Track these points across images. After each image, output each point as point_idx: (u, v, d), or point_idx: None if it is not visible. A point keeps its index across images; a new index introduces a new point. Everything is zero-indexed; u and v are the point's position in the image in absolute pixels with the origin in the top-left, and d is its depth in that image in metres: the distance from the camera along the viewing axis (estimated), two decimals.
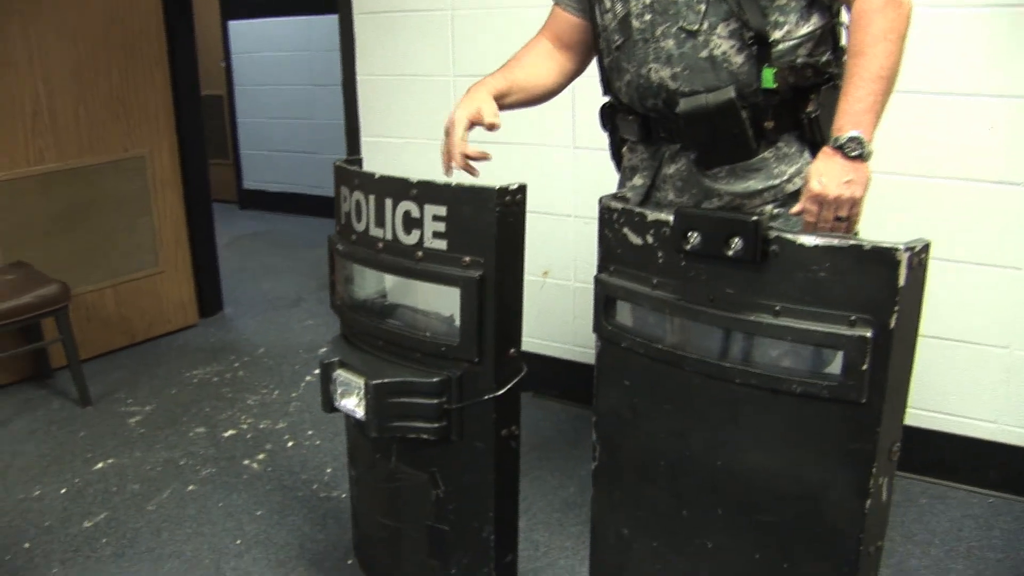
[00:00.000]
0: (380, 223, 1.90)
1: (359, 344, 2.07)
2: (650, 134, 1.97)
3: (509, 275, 1.81)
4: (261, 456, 3.14)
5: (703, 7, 1.78)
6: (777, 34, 1.78)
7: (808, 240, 1.33)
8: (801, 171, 1.83)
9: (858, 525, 1.39)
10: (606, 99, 2.09)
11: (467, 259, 1.79)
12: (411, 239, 1.85)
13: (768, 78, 1.77)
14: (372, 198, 1.91)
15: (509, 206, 1.76)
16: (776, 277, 1.37)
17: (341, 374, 1.98)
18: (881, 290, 1.30)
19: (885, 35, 1.66)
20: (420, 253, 1.84)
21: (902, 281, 1.28)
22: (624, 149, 2.10)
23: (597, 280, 1.64)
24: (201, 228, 4.55)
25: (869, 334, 1.31)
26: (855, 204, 1.69)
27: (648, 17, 1.85)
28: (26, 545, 2.64)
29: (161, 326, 4.39)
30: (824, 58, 1.82)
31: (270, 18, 6.66)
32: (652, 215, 1.50)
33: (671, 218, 1.46)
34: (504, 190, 1.74)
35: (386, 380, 1.88)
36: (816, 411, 1.39)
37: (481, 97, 2.02)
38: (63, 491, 2.94)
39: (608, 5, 1.94)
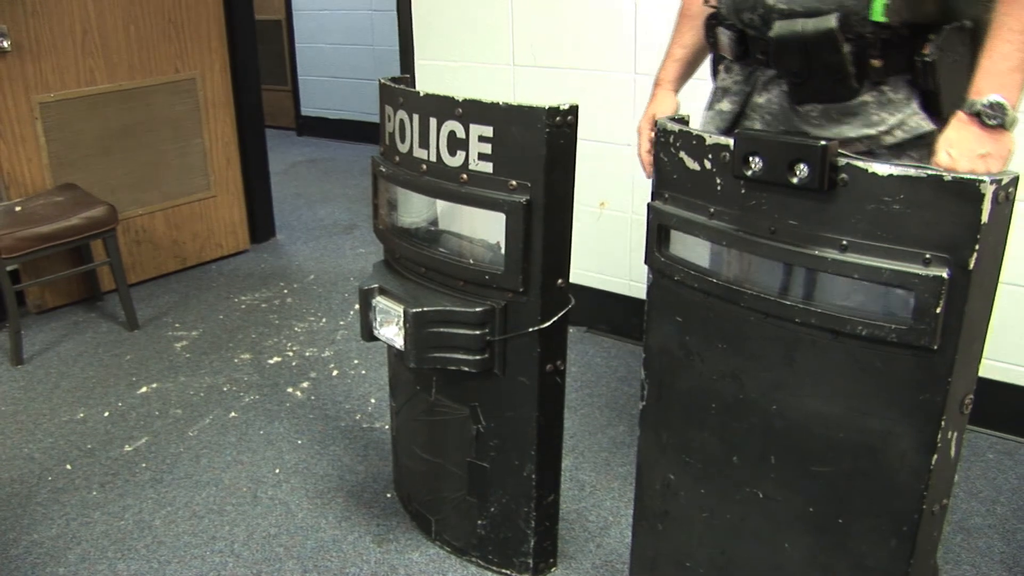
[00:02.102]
0: (424, 144, 1.81)
1: (401, 271, 1.99)
2: (746, 53, 1.72)
3: (558, 201, 1.71)
4: (305, 384, 3.09)
5: None
6: None
7: (881, 169, 1.21)
8: (904, 123, 1.57)
9: (922, 482, 1.29)
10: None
11: (514, 183, 1.69)
12: (456, 161, 1.76)
13: (877, 8, 1.49)
14: (416, 117, 1.82)
15: (560, 127, 1.65)
16: (844, 209, 1.25)
17: (380, 301, 1.91)
18: (961, 226, 1.18)
19: None
20: (465, 176, 1.75)
21: (985, 217, 1.16)
22: (720, 67, 1.85)
23: (650, 207, 1.53)
24: (254, 153, 4.49)
25: (945, 274, 1.19)
26: None
27: None
28: (68, 467, 2.62)
29: (212, 251, 4.35)
30: None
31: None
32: (712, 138, 1.38)
33: (731, 141, 1.34)
34: (555, 110, 1.63)
35: (426, 308, 1.80)
36: (882, 356, 1.28)
37: (663, 100, 1.91)
38: (106, 414, 2.92)
39: None
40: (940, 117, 1.55)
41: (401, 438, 2.22)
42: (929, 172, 1.19)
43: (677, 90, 1.94)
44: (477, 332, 1.80)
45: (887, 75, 1.56)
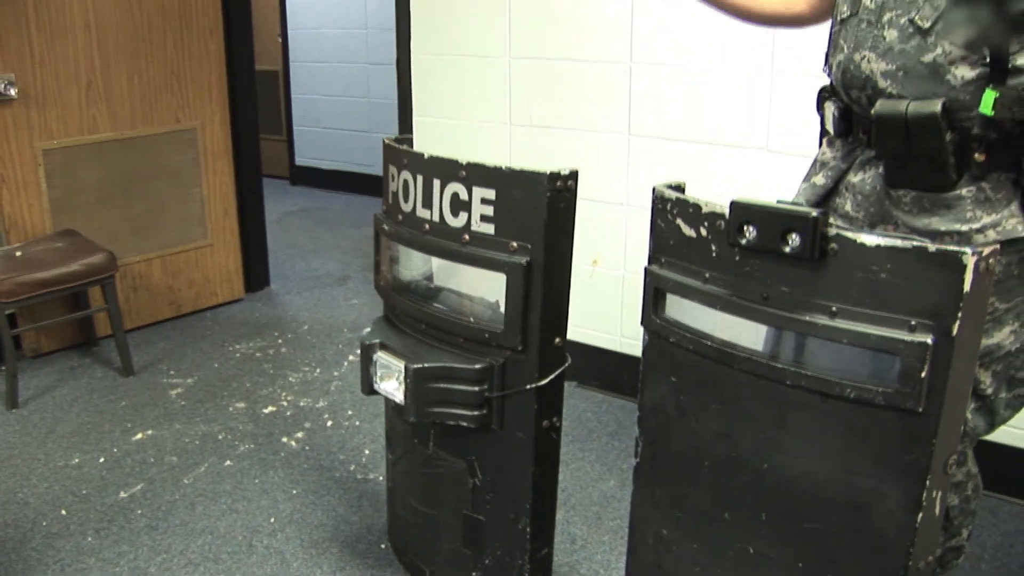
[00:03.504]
0: (427, 204, 1.87)
1: (401, 326, 2.04)
2: (850, 129, 1.72)
3: (557, 262, 1.77)
4: (300, 434, 3.12)
5: (943, 4, 1.50)
6: (1022, 59, 1.48)
7: (869, 239, 1.27)
8: (999, 224, 1.55)
9: (908, 538, 1.33)
10: (825, 75, 1.82)
11: (515, 244, 1.75)
12: (458, 222, 1.82)
13: (988, 102, 1.47)
14: (420, 178, 1.88)
15: (560, 191, 1.72)
16: (834, 277, 1.31)
17: (382, 356, 1.95)
18: (945, 295, 1.23)
19: None
20: (467, 236, 1.80)
21: (967, 287, 1.22)
22: (824, 140, 1.84)
23: (647, 271, 1.58)
24: (251, 202, 4.56)
25: (930, 340, 1.24)
26: None
27: None
28: (63, 512, 2.65)
29: (207, 299, 4.40)
30: None
31: None
32: (708, 206, 1.45)
33: (726, 210, 1.40)
34: (555, 175, 1.70)
35: (426, 365, 1.85)
36: (870, 418, 1.33)
37: None
38: (101, 460, 2.95)
39: None
40: None
41: (397, 489, 2.26)
42: (914, 243, 1.25)
43: None
44: (476, 388, 1.85)
45: (989, 171, 1.55)
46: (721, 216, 1.42)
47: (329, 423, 3.21)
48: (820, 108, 1.83)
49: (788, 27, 2.01)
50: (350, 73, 6.74)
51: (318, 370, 3.68)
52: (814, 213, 1.29)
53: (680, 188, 1.57)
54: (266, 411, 3.30)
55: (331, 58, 6.80)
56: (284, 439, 3.09)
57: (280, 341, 4.01)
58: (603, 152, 3.17)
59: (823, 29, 1.82)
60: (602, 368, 3.41)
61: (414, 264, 2.05)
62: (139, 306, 4.09)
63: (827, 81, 1.81)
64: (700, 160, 2.98)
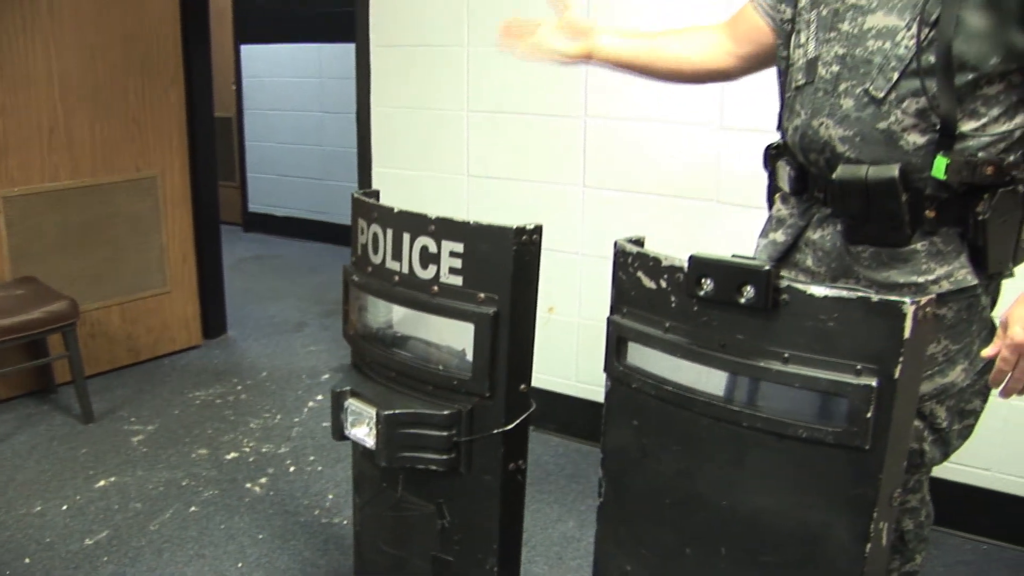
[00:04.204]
0: (397, 256, 1.94)
1: (370, 374, 2.11)
2: (805, 188, 1.83)
3: (522, 312, 1.85)
4: (263, 480, 3.16)
5: (896, 76, 1.62)
6: (969, 126, 1.61)
7: (818, 291, 1.38)
8: (952, 274, 1.68)
9: (859, 568, 1.42)
10: (777, 135, 1.94)
11: (482, 295, 1.83)
12: (427, 274, 1.89)
13: (940, 167, 1.60)
14: (390, 232, 1.96)
15: (526, 245, 1.80)
16: (786, 325, 1.41)
17: (353, 403, 2.01)
18: (887, 341, 1.34)
19: None
20: (436, 288, 1.88)
21: (907, 333, 1.32)
22: (777, 196, 1.96)
23: (610, 321, 1.68)
24: (209, 249, 4.61)
25: (874, 383, 1.35)
26: None
27: (836, 68, 1.71)
28: (27, 560, 2.66)
29: (166, 345, 4.42)
30: (1011, 159, 1.64)
31: (283, 44, 6.74)
32: (667, 260, 1.54)
33: (685, 264, 1.50)
34: (521, 229, 1.79)
35: (398, 411, 1.92)
36: (821, 456, 1.42)
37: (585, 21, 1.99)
38: (64, 507, 2.97)
39: (803, 40, 1.79)
40: (985, 272, 1.69)
41: (365, 532, 2.31)
42: (859, 294, 1.35)
43: (609, 41, 2.03)
44: (445, 433, 1.92)
45: (939, 226, 1.66)
46: (680, 269, 1.51)
47: (292, 468, 3.26)
48: (768, 164, 1.95)
49: (716, 82, 2.11)
50: (304, 121, 6.81)
51: (279, 416, 3.72)
52: (767, 266, 1.39)
53: (640, 242, 1.67)
54: (229, 457, 3.34)
55: (285, 106, 6.87)
56: (248, 485, 3.13)
57: (240, 387, 4.05)
58: (559, 203, 3.27)
59: (770, 87, 1.94)
60: (558, 412, 3.49)
61: (382, 314, 2.12)
62: (97, 353, 4.11)
63: (774, 138, 1.93)
64: (652, 210, 3.10)
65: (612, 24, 2.10)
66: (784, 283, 1.40)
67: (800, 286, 1.39)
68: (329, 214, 6.79)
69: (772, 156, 1.94)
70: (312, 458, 3.33)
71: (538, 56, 1.99)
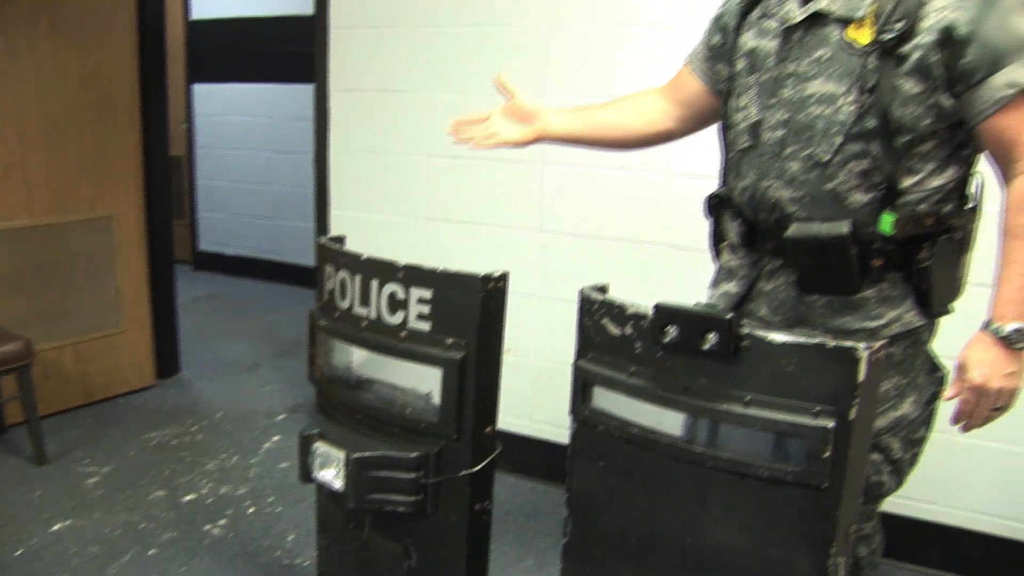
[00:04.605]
0: (365, 302, 1.99)
1: (337, 417, 2.14)
2: (754, 242, 1.93)
3: (489, 357, 1.91)
4: (222, 521, 3.16)
5: (839, 140, 1.73)
6: (908, 182, 1.73)
7: (777, 337, 1.45)
8: (900, 318, 1.80)
9: None
10: (720, 188, 2.05)
11: (450, 341, 1.88)
12: (395, 319, 1.94)
13: (887, 224, 1.72)
14: (358, 278, 2.00)
15: (492, 292, 1.86)
16: (747, 370, 1.48)
17: (320, 446, 2.05)
18: (842, 384, 1.41)
19: None
20: (404, 333, 1.93)
21: (862, 376, 1.40)
22: (724, 246, 2.05)
23: (575, 366, 1.73)
24: (163, 289, 4.59)
25: (831, 424, 1.42)
26: (1014, 394, 1.69)
27: (780, 133, 1.81)
28: None
29: (119, 386, 4.40)
30: (947, 209, 1.77)
31: (235, 84, 6.76)
32: (632, 308, 1.61)
33: (650, 311, 1.57)
34: (488, 277, 1.84)
35: (367, 454, 1.96)
36: (780, 494, 1.49)
37: (531, 103, 2.08)
38: (19, 552, 2.94)
39: (743, 103, 1.90)
40: (929, 314, 1.81)
41: (330, 573, 2.34)
42: (815, 340, 1.43)
43: (557, 120, 2.12)
44: (413, 475, 1.96)
45: (886, 273, 1.78)
46: (645, 317, 1.58)
47: (251, 509, 3.26)
48: (712, 213, 2.06)
49: (661, 143, 2.21)
50: (255, 161, 6.82)
51: (236, 457, 3.72)
52: (729, 315, 1.46)
53: (604, 289, 1.73)
54: (186, 499, 3.33)
55: (236, 145, 6.88)
56: (207, 526, 3.12)
57: (195, 428, 4.04)
58: (516, 247, 3.33)
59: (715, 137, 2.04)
60: (516, 453, 3.52)
61: (348, 358, 2.16)
62: (50, 393, 4.07)
63: (716, 188, 2.04)
64: (608, 254, 3.17)
65: (561, 101, 2.19)
66: (745, 330, 1.47)
67: (760, 333, 1.46)
68: (280, 254, 6.79)
69: (714, 206, 2.05)
70: (271, 499, 3.34)
71: (492, 145, 2.07)
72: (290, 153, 6.52)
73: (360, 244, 2.05)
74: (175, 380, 4.70)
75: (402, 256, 1.96)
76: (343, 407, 2.13)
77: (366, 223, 3.61)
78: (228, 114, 6.86)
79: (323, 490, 2.20)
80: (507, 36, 3.26)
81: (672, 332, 1.53)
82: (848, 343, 1.41)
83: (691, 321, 1.51)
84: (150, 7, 4.29)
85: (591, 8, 3.12)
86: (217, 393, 4.53)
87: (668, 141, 2.19)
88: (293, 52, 6.27)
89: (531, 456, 3.48)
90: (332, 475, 2.03)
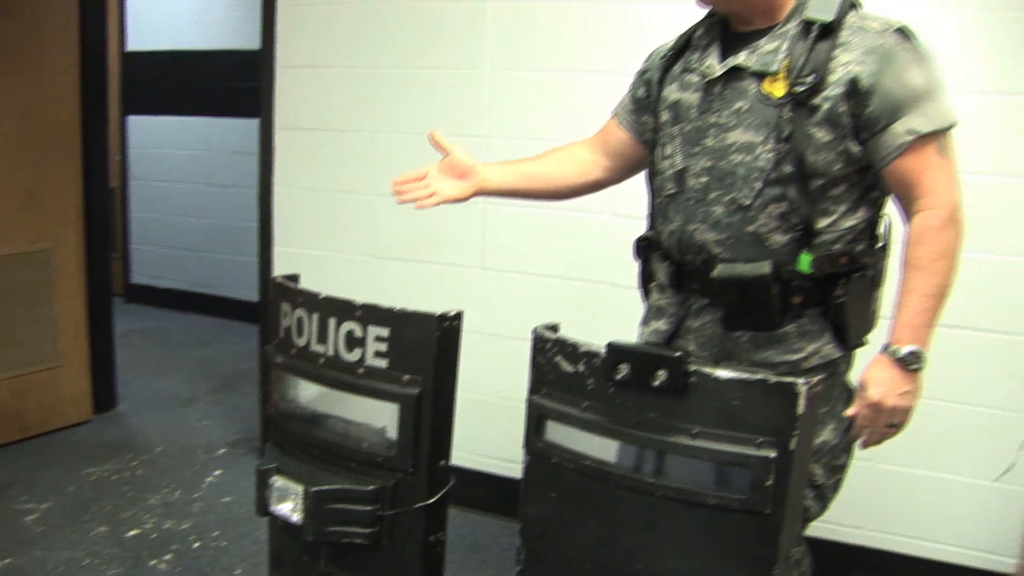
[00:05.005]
0: (323, 340, 2.05)
1: (293, 452, 2.19)
2: (682, 282, 2.04)
3: (444, 393, 1.98)
4: (168, 557, 3.17)
5: (759, 185, 1.86)
6: (823, 223, 1.87)
7: (723, 374, 1.55)
8: (819, 351, 1.92)
9: None
10: (648, 231, 2.17)
11: (406, 377, 1.95)
12: (353, 356, 2.00)
13: (805, 263, 1.85)
14: (316, 316, 2.06)
15: (448, 330, 1.93)
16: (694, 405, 1.57)
17: (278, 480, 2.09)
18: (783, 417, 1.52)
19: (944, 254, 1.80)
20: (362, 370, 1.99)
21: (801, 410, 1.51)
22: (653, 286, 2.17)
23: (529, 401, 1.81)
24: (100, 323, 4.58)
25: (773, 455, 1.52)
26: (908, 412, 1.84)
27: (704, 180, 1.93)
28: None
29: (56, 420, 4.36)
30: (860, 248, 1.91)
31: (170, 116, 6.75)
32: (584, 346, 1.70)
33: (602, 350, 1.66)
34: (444, 316, 1.92)
35: (325, 487, 2.01)
36: (726, 521, 1.58)
37: (467, 156, 2.16)
38: None
39: (668, 152, 2.02)
40: (846, 346, 1.95)
41: None
42: (758, 376, 1.53)
43: (493, 174, 2.20)
44: (370, 508, 2.02)
45: (805, 309, 1.91)
46: (597, 355, 1.67)
47: (196, 544, 3.27)
48: (640, 255, 2.18)
49: (593, 192, 2.32)
50: (190, 194, 6.80)
51: (178, 492, 3.72)
52: (678, 353, 1.56)
53: (555, 328, 1.82)
54: (130, 534, 3.33)
55: (171, 178, 6.85)
56: (152, 562, 3.13)
57: (135, 463, 4.02)
58: (458, 284, 3.41)
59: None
60: (457, 486, 3.57)
61: (303, 394, 2.21)
62: None
63: (645, 231, 2.17)
64: (550, 292, 3.27)
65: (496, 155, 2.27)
66: (693, 367, 1.57)
67: (707, 370, 1.56)
68: (213, 287, 6.77)
69: (643, 248, 2.18)
70: (216, 533, 3.35)
71: (433, 204, 2.15)
72: (226, 187, 6.53)
73: (306, 282, 2.11)
74: (112, 415, 4.67)
75: (345, 292, 2.03)
76: (299, 442, 2.17)
77: (312, 260, 3.65)
78: (163, 146, 6.84)
79: (277, 524, 2.24)
80: (452, 78, 3.35)
81: (624, 369, 1.63)
82: (788, 379, 1.51)
83: (642, 359, 1.61)
84: (92, 39, 4.30)
85: (535, 54, 3.24)
86: (156, 428, 4.51)
87: (598, 190, 2.31)
88: (230, 86, 6.30)
89: (474, 488, 3.53)
90: (290, 508, 2.08)
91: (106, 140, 4.52)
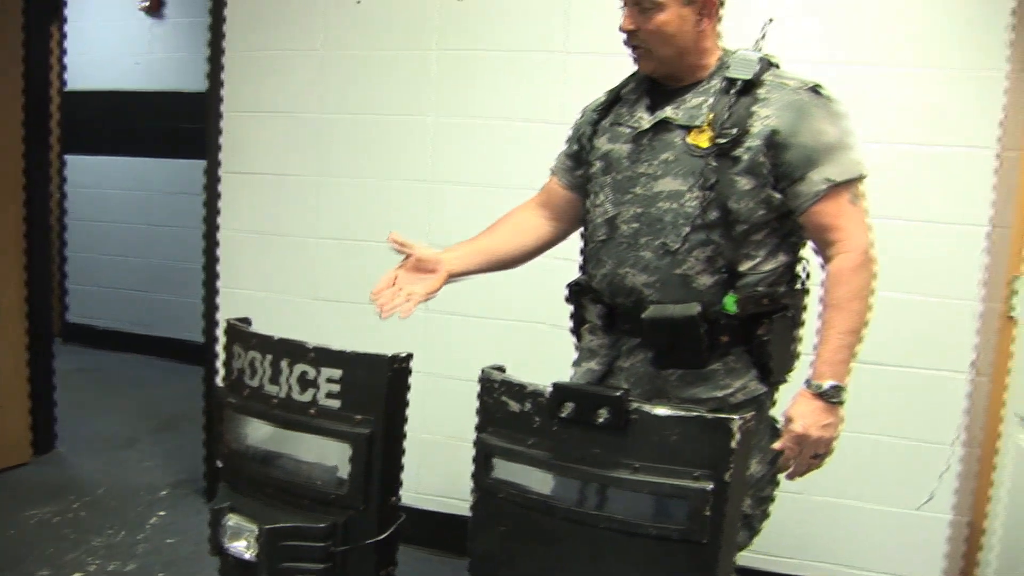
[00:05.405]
0: (276, 381, 2.11)
1: (246, 491, 2.24)
2: (614, 324, 2.14)
3: (394, 432, 2.05)
4: None
5: (686, 231, 1.99)
6: (746, 266, 2.00)
7: (662, 411, 1.65)
8: (745, 386, 2.04)
9: None
10: (580, 276, 2.27)
11: (358, 417, 2.02)
12: (306, 397, 2.07)
13: (730, 303, 1.97)
14: (268, 358, 2.12)
15: (398, 371, 2.01)
16: (636, 440, 1.67)
17: (232, 519, 2.14)
18: (719, 451, 1.62)
19: (859, 293, 1.94)
20: (314, 410, 2.06)
21: (735, 444, 1.61)
22: (585, 328, 2.27)
23: (477, 439, 1.89)
24: (41, 363, 4.55)
25: (710, 487, 1.62)
26: (831, 444, 1.96)
27: (635, 226, 2.05)
28: None
29: None
30: (781, 290, 2.05)
31: (110, 156, 6.74)
32: (530, 387, 1.79)
33: (548, 390, 1.75)
34: (394, 358, 2.00)
35: (279, 525, 2.07)
36: (666, 550, 1.67)
37: (428, 250, 2.20)
38: None
39: (600, 200, 2.13)
40: (770, 382, 2.08)
41: None
42: (694, 413, 1.64)
43: (458, 262, 2.25)
44: (323, 544, 2.07)
45: (731, 347, 2.03)
46: (542, 395, 1.76)
47: None
48: (572, 299, 2.30)
49: (544, 252, 2.41)
50: (129, 234, 6.77)
51: (122, 533, 3.71)
52: (619, 392, 1.66)
53: (501, 369, 1.91)
54: None
55: (110, 218, 6.82)
56: None
57: (77, 505, 4.01)
58: (401, 324, 3.46)
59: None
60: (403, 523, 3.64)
61: (255, 434, 2.27)
62: None
63: (577, 276, 2.29)
64: (489, 332, 3.36)
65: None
66: (634, 405, 1.66)
67: (647, 407, 1.66)
68: (152, 327, 6.73)
69: (575, 292, 2.30)
70: (162, 574, 3.36)
71: (413, 307, 2.18)
72: (165, 227, 6.53)
73: (252, 322, 2.18)
74: (52, 456, 4.63)
75: (288, 333, 2.11)
76: (252, 481, 2.22)
77: (254, 300, 3.69)
78: (102, 186, 6.81)
79: (229, 562, 2.28)
80: (394, 125, 3.44)
81: (568, 408, 1.72)
82: (723, 415, 1.62)
83: (586, 398, 1.71)
84: (35, 78, 4.31)
85: (478, 102, 3.34)
86: (97, 469, 4.49)
87: (551, 248, 2.40)
88: (171, 127, 6.31)
89: (415, 526, 3.57)
90: (243, 546, 2.13)
91: (49, 179, 4.52)
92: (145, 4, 6.33)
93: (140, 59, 6.52)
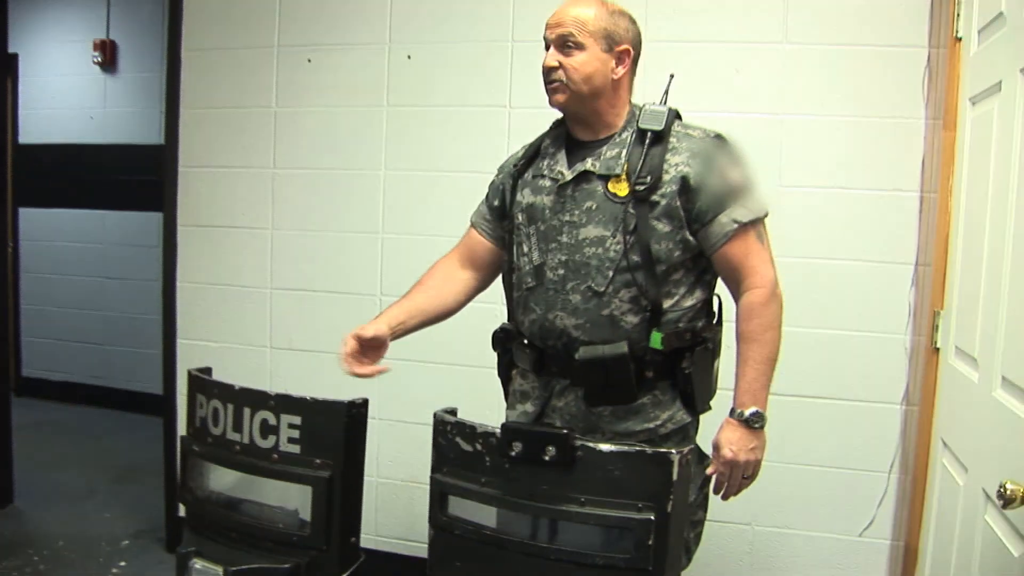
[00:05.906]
0: (238, 428, 2.20)
1: (211, 535, 2.31)
2: (544, 367, 2.24)
3: (353, 474, 2.15)
4: None
5: (611, 273, 2.10)
6: (668, 303, 2.11)
7: (605, 448, 1.77)
8: (673, 417, 2.16)
9: None
10: (507, 323, 2.37)
11: (318, 461, 2.11)
12: (267, 443, 2.16)
13: (656, 340, 2.09)
14: (231, 406, 2.21)
15: (355, 416, 2.12)
16: (582, 476, 1.78)
17: (198, 563, 2.21)
18: (660, 483, 1.74)
19: (771, 325, 2.09)
20: (276, 456, 2.15)
21: (675, 476, 1.73)
22: (515, 373, 2.37)
23: (432, 479, 1.99)
24: None
25: (652, 517, 1.73)
26: (758, 465, 2.10)
27: (561, 272, 2.16)
28: None
29: None
30: (700, 324, 2.18)
31: (64, 208, 6.77)
32: (481, 428, 1.89)
33: (497, 430, 1.86)
34: (352, 403, 2.10)
35: (244, 567, 2.14)
36: None
37: (372, 323, 2.25)
38: None
39: (526, 249, 2.24)
40: (694, 411, 2.19)
41: None
42: (636, 448, 1.75)
43: (397, 329, 2.30)
44: None
45: (658, 381, 2.15)
46: (493, 435, 1.87)
47: None
48: (498, 346, 2.41)
49: (470, 301, 2.49)
50: (84, 286, 6.78)
51: None
52: (565, 431, 1.77)
53: (454, 412, 2.01)
54: None
55: (64, 270, 6.83)
56: None
57: (36, 559, 4.01)
58: None
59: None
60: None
61: (220, 480, 2.35)
62: None
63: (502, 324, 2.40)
64: (438, 376, 3.46)
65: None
66: (580, 443, 1.78)
67: (592, 444, 1.77)
68: (108, 378, 6.72)
69: (501, 339, 2.40)
70: None
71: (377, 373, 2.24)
72: (120, 279, 6.55)
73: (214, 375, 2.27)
74: (9, 510, 4.62)
75: (245, 382, 2.21)
76: (216, 525, 2.30)
77: (212, 351, 3.75)
78: (56, 239, 6.83)
79: None
80: (346, 179, 3.55)
81: (518, 447, 1.83)
82: (663, 450, 1.74)
83: (534, 438, 1.82)
84: None
85: (425, 155, 3.47)
86: (55, 522, 4.49)
87: (475, 295, 2.49)
88: (126, 180, 6.36)
89: (374, 568, 3.63)
90: None
91: (5, 233, 4.56)
92: (99, 59, 6.40)
93: (94, 113, 6.57)
